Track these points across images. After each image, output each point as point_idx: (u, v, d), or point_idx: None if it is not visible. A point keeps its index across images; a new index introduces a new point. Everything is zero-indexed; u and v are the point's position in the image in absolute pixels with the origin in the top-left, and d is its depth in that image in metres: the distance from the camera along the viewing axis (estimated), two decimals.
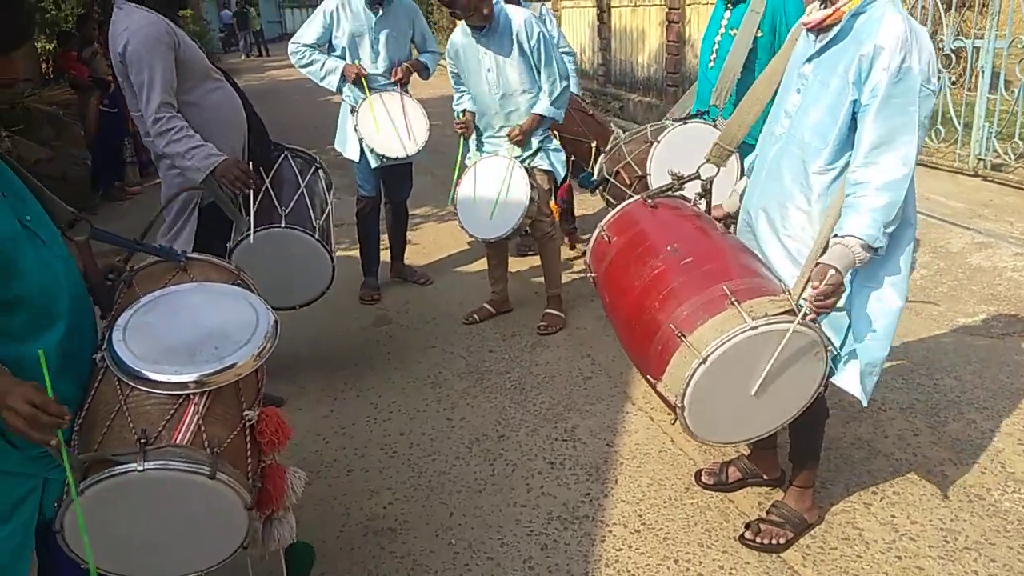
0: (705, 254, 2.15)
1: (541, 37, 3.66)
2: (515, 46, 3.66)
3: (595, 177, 3.76)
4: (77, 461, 1.54)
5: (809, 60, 2.09)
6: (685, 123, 3.37)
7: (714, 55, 3.47)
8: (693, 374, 1.89)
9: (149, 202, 3.10)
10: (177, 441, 1.60)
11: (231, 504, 1.65)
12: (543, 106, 3.75)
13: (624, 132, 4.90)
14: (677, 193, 2.47)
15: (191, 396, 1.68)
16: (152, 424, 1.61)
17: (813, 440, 2.43)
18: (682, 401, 1.93)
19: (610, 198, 3.68)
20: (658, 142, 3.34)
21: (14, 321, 1.62)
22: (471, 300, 4.45)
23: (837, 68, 1.98)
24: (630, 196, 3.55)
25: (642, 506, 2.67)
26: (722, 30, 3.47)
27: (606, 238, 2.39)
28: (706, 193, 2.45)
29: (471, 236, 3.92)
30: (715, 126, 3.30)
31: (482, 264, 5.04)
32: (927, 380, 3.33)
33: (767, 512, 2.49)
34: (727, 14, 3.45)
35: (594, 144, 4.57)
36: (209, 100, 2.95)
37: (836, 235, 1.96)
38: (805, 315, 1.91)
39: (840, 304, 2.05)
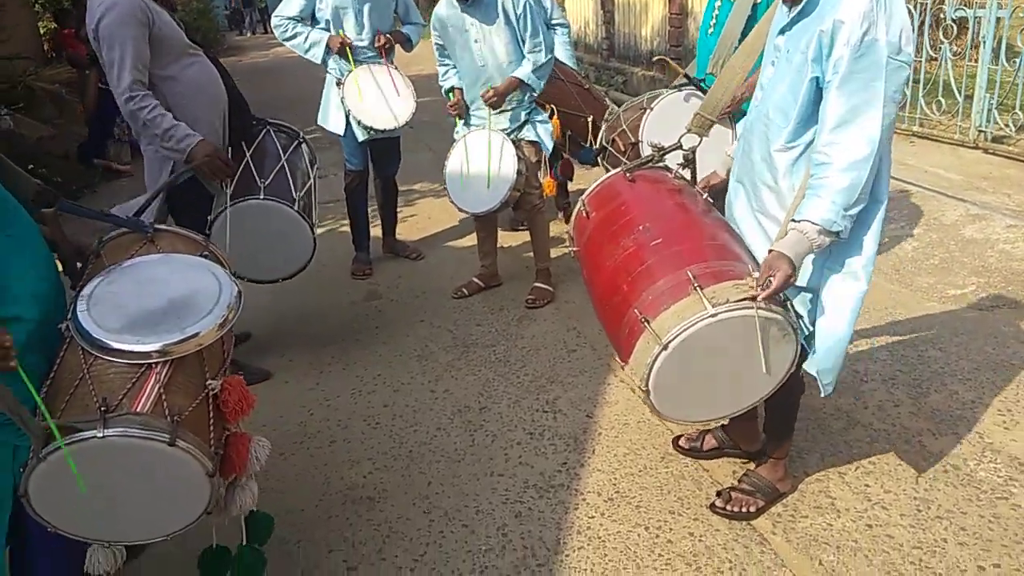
0: (676, 234, 2.14)
1: (527, 6, 3.63)
2: (501, 16, 3.63)
3: (597, 147, 3.75)
4: (39, 427, 1.57)
5: (782, 32, 2.04)
6: (679, 90, 3.35)
7: (714, 21, 3.43)
8: (655, 360, 1.91)
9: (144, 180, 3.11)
10: (138, 409, 1.63)
11: (192, 471, 1.68)
12: (524, 71, 3.72)
13: (620, 107, 4.91)
14: (660, 164, 2.46)
15: (153, 365, 1.71)
16: (113, 392, 1.64)
17: (787, 414, 2.44)
18: (646, 385, 1.96)
19: (608, 167, 3.67)
20: (651, 109, 3.33)
21: None
22: (462, 275, 4.46)
23: (799, 43, 1.93)
24: (623, 161, 3.55)
25: (617, 475, 2.69)
26: None
27: (585, 212, 2.38)
28: (688, 163, 2.42)
29: (460, 210, 3.93)
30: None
31: (473, 239, 5.02)
32: (912, 352, 3.32)
33: (739, 480, 2.51)
34: None
35: (590, 119, 4.55)
36: (186, 74, 2.96)
37: (793, 219, 1.91)
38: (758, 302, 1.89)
39: (803, 283, 2.04)
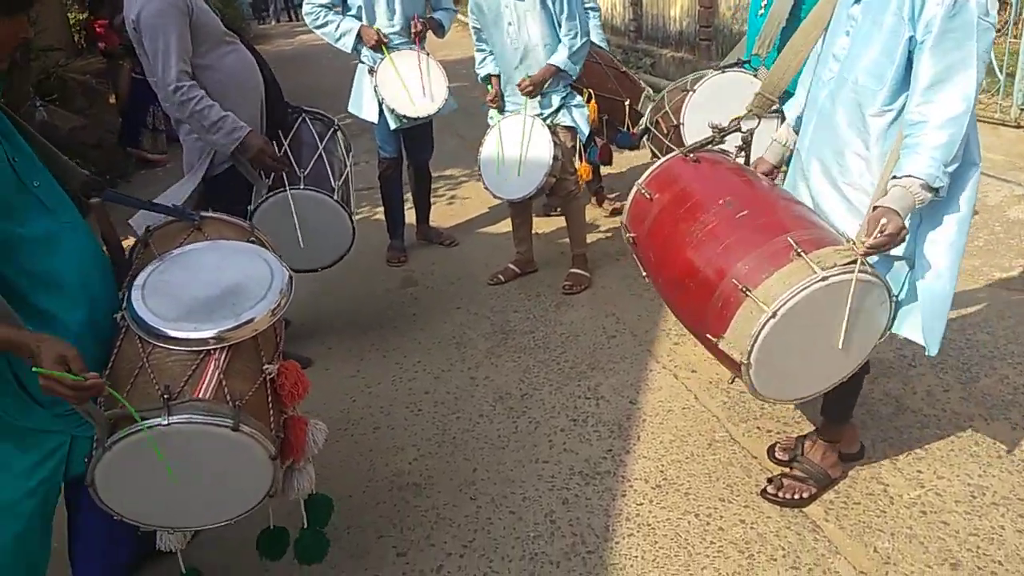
0: (760, 207, 2.09)
1: None
2: None
3: (641, 128, 3.71)
4: (104, 417, 1.59)
5: (858, 1, 2.03)
6: (724, 72, 3.29)
7: (764, 2, 3.37)
8: (761, 329, 1.84)
9: (180, 169, 3.12)
10: (199, 396, 1.64)
11: (255, 455, 1.70)
12: (560, 58, 3.68)
13: (654, 91, 4.85)
14: (717, 147, 2.39)
15: (211, 352, 1.72)
16: (174, 380, 1.65)
17: (849, 396, 2.38)
18: (748, 358, 1.88)
19: (654, 148, 3.63)
20: (693, 91, 3.28)
21: (30, 292, 1.67)
22: (496, 261, 4.45)
23: (890, 5, 1.91)
24: (666, 144, 3.51)
25: (664, 462, 2.68)
26: None
27: (647, 195, 2.30)
28: (746, 146, 2.36)
29: (495, 197, 3.91)
30: (756, 75, 3.22)
31: (507, 225, 5.02)
32: (959, 336, 3.25)
33: (790, 467, 2.48)
34: None
35: (627, 102, 4.50)
36: (224, 63, 2.96)
37: (895, 176, 1.90)
38: (866, 262, 1.86)
39: (899, 252, 2.01)
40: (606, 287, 4.03)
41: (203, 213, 2.11)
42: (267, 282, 1.87)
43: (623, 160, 5.47)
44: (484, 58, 3.95)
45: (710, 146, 2.34)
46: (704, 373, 3.17)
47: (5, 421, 1.70)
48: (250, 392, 1.74)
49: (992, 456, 2.55)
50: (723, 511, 2.43)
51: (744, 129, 2.30)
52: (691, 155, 2.28)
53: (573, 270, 4.07)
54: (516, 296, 4.04)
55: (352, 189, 3.40)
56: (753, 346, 1.86)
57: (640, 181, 2.34)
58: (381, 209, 4.71)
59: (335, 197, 3.17)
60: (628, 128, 4.71)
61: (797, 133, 2.32)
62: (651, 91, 4.84)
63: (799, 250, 1.86)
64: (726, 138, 2.35)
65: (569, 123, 3.85)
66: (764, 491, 2.44)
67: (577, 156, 3.98)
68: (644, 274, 2.44)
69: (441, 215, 5.27)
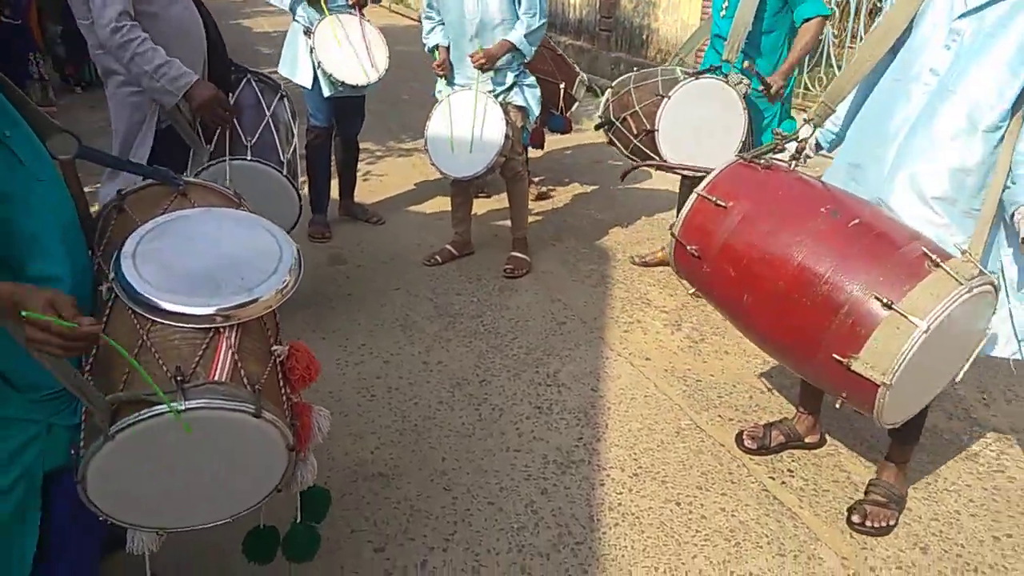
0: (866, 216, 1.93)
1: None
2: None
3: (599, 118, 3.64)
4: (104, 401, 1.36)
5: (963, 16, 1.97)
6: (697, 78, 3.27)
7: (725, 4, 3.38)
8: (913, 345, 1.70)
9: (74, 124, 2.75)
10: (216, 378, 1.44)
11: (274, 444, 1.52)
12: (516, 35, 3.58)
13: (586, 76, 4.83)
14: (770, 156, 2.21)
15: (221, 330, 1.52)
16: (184, 360, 1.44)
17: (923, 413, 2.27)
18: (891, 378, 1.73)
19: (618, 143, 3.56)
20: (669, 97, 3.22)
21: (5, 255, 1.41)
22: (428, 241, 4.30)
23: (1011, 23, 1.88)
24: (635, 144, 3.45)
25: (636, 450, 2.66)
26: None
27: (720, 203, 2.05)
28: (799, 154, 2.22)
29: (444, 174, 3.75)
30: (727, 82, 3.24)
31: (435, 204, 4.90)
32: None
33: (867, 492, 2.40)
34: None
35: (562, 86, 4.46)
36: (170, 12, 2.65)
37: (1017, 203, 1.88)
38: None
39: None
40: (547, 272, 3.98)
41: (187, 177, 1.87)
42: (275, 256, 1.67)
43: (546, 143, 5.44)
44: (432, 27, 3.78)
45: (772, 152, 2.19)
46: (658, 362, 3.19)
47: None
48: (264, 375, 1.55)
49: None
50: (702, 499, 2.44)
51: (801, 137, 2.20)
52: (763, 160, 2.12)
53: (514, 253, 3.99)
54: (456, 278, 3.91)
55: (299, 160, 3.15)
56: (900, 365, 1.72)
57: (701, 188, 2.11)
58: (303, 179, 4.42)
59: (284, 172, 2.93)
60: (562, 112, 4.68)
61: (820, 148, 2.30)
62: (585, 76, 4.82)
63: (935, 260, 1.77)
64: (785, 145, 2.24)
65: (521, 103, 3.75)
66: (850, 521, 2.32)
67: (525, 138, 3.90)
68: (693, 291, 2.25)
69: (360, 191, 5.02)
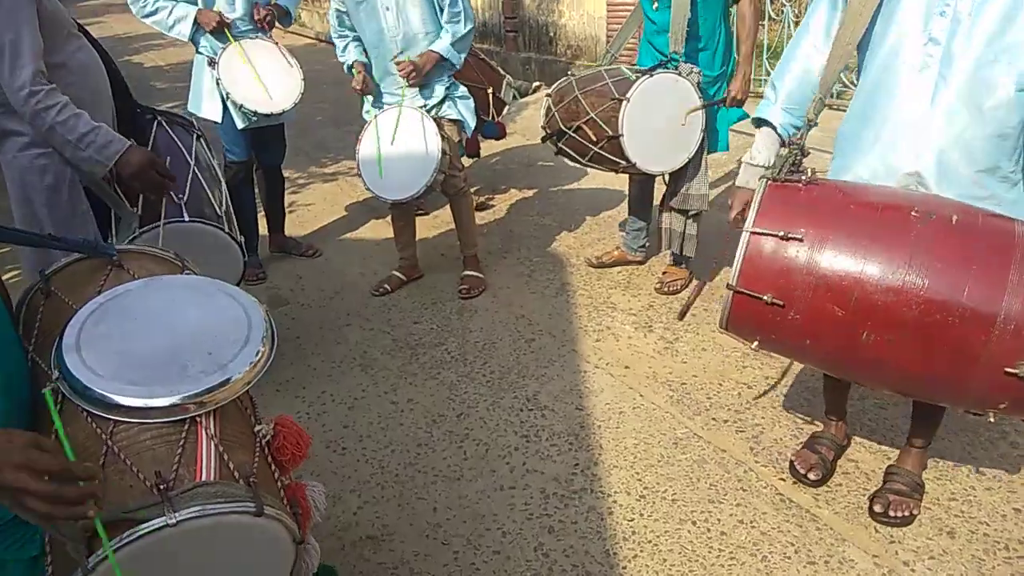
0: (953, 208, 1.76)
1: None
2: None
3: (544, 128, 3.44)
4: (74, 529, 1.10)
5: None
6: (651, 75, 3.13)
7: None
8: None
9: None
10: (203, 478, 1.20)
11: (279, 541, 1.29)
12: (442, 45, 3.39)
13: (514, 80, 4.67)
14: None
15: (197, 419, 1.28)
16: (162, 463, 1.20)
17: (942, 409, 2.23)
18: None
19: (572, 152, 3.37)
20: (628, 99, 3.06)
21: None
22: (372, 269, 4.06)
23: None
24: (595, 151, 3.26)
25: (637, 469, 2.51)
26: None
27: (792, 236, 1.77)
28: (804, 156, 2.00)
29: (380, 198, 3.52)
30: (679, 74, 3.12)
31: (371, 228, 4.66)
32: None
33: (886, 480, 2.30)
34: None
35: (490, 91, 4.29)
36: (76, 61, 2.32)
37: None
38: None
39: None
40: (504, 287, 3.80)
41: (119, 246, 1.60)
42: (243, 323, 1.44)
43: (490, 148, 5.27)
44: (346, 44, 3.54)
45: (795, 162, 1.95)
46: (637, 369, 3.05)
47: None
48: (254, 463, 1.32)
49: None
50: (718, 514, 2.31)
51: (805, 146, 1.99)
52: (804, 178, 1.88)
53: (467, 272, 3.79)
54: (410, 306, 3.69)
55: (232, 209, 2.87)
56: None
57: (749, 224, 1.82)
58: None
59: (224, 228, 2.65)
60: (493, 117, 4.51)
61: (783, 143, 2.11)
62: (511, 79, 4.66)
63: None
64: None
65: (455, 116, 3.56)
66: (872, 512, 2.23)
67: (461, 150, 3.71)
68: (755, 344, 1.94)
69: (288, 224, 4.72)
